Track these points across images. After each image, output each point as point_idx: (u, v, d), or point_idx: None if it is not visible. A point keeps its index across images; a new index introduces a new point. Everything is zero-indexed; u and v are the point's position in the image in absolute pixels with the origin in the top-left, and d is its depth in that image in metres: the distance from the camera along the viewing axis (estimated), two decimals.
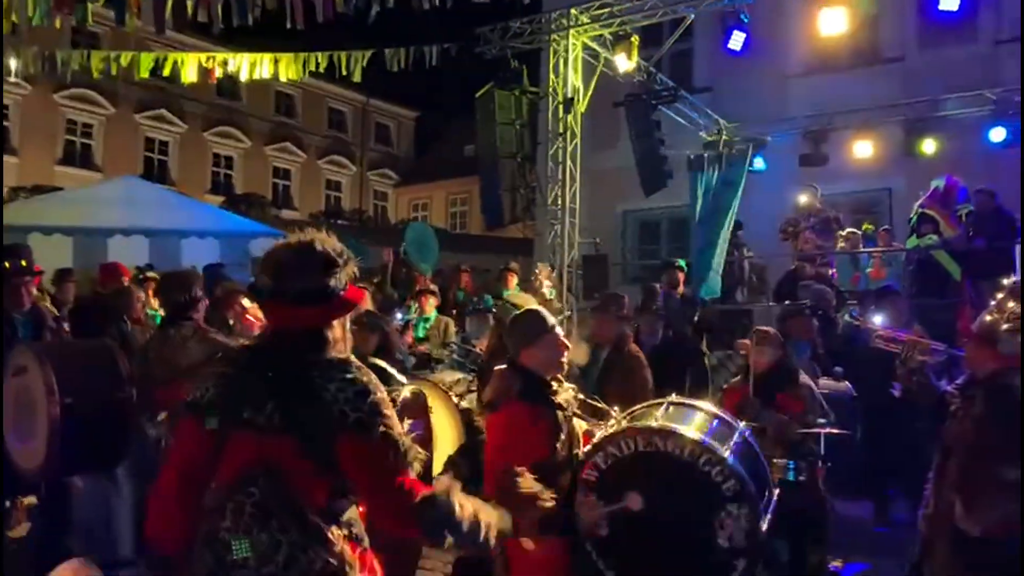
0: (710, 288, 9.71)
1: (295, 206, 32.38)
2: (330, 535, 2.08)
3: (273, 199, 31.27)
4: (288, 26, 7.68)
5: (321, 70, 11.95)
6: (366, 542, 2.22)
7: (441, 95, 40.48)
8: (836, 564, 5.10)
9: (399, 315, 8.81)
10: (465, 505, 2.11)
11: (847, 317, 7.39)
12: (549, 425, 3.17)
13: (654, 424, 3.40)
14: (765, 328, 5.27)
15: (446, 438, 5.45)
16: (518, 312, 3.52)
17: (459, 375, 6.43)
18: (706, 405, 3.76)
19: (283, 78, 12.08)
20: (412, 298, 9.11)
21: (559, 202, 10.58)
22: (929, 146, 11.68)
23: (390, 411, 2.13)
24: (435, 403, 5.93)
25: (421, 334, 8.42)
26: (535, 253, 14.19)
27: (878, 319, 7.13)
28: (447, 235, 22.89)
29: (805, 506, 4.52)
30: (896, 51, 13.59)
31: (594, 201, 13.67)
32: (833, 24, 9.46)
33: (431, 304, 8.77)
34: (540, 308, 3.57)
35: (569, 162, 10.57)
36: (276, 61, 11.66)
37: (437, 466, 4.36)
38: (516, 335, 3.33)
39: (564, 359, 3.33)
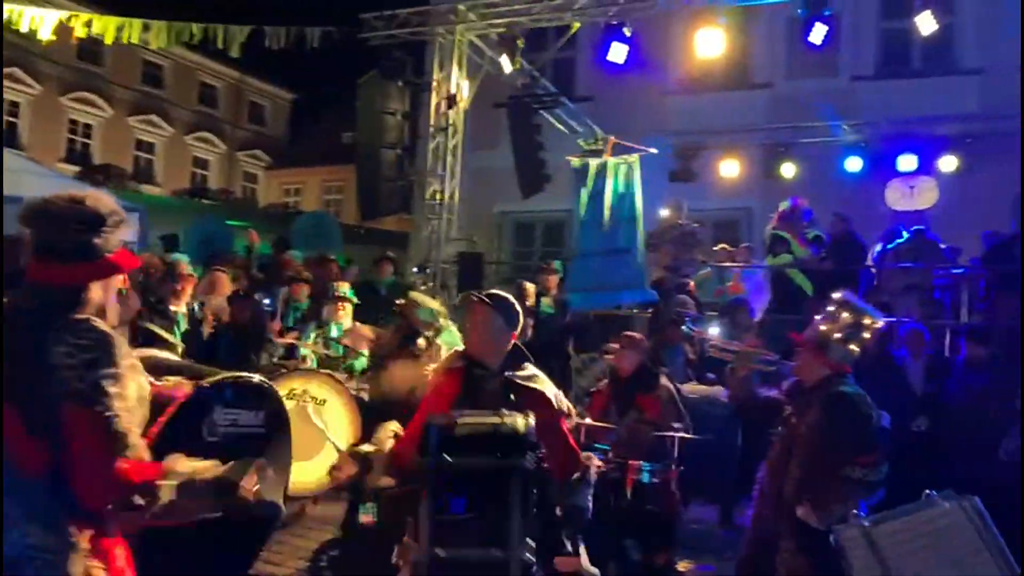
0: (646, 295, 9.94)
1: (158, 181, 30.76)
2: (45, 511, 1.95)
3: (134, 173, 29.57)
4: None
5: (195, 41, 11.40)
6: (110, 526, 2.07)
7: (320, 78, 39.58)
8: (684, 566, 5.31)
9: (267, 301, 8.55)
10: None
11: (684, 328, 7.74)
12: None
13: None
14: (631, 333, 5.42)
15: (342, 429, 5.42)
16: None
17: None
18: None
19: (153, 46, 11.46)
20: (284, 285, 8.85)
21: (437, 197, 10.53)
22: (788, 170, 12.39)
23: (116, 388, 1.99)
24: (329, 395, 5.87)
25: (291, 323, 8.18)
26: (410, 247, 14.07)
27: (714, 331, 7.53)
28: None
29: (657, 508, 4.68)
30: (765, 78, 14.34)
31: (472, 199, 13.70)
32: (709, 46, 9.84)
33: (303, 293, 8.55)
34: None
35: (450, 158, 10.54)
36: (146, 27, 11.04)
37: (329, 457, 4.23)
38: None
39: None
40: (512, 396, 3.19)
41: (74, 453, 1.95)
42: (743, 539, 4.01)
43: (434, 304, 4.74)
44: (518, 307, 3.40)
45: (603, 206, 10.05)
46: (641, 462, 4.66)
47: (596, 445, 4.77)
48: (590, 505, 3.46)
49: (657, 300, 9.84)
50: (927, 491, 3.21)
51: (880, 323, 3.95)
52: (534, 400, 3.23)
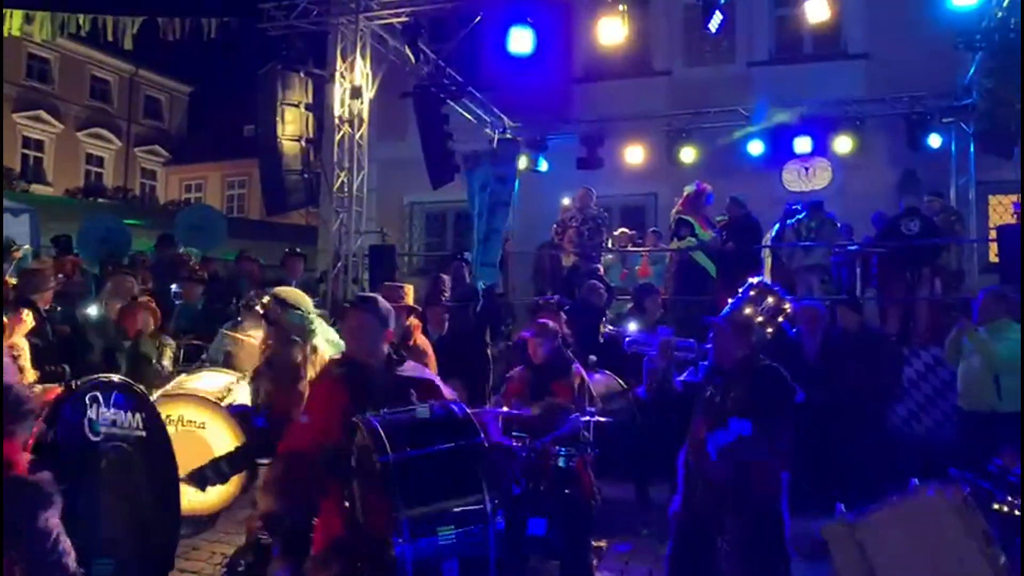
0: (486, 280, 9.95)
1: (48, 180, 29.32)
2: None
3: (22, 172, 28.13)
4: None
5: (83, 33, 10.88)
6: None
7: (219, 70, 38.41)
8: (600, 544, 5.43)
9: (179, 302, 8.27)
10: None
11: (605, 328, 7.90)
12: None
13: None
14: (544, 321, 5.48)
15: (226, 448, 5.19)
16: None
17: (224, 376, 6.06)
18: None
19: (37, 38, 10.88)
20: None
21: (345, 190, 10.38)
22: (690, 155, 12.71)
23: None
24: (206, 417, 5.52)
25: (185, 324, 7.91)
26: (319, 241, 13.84)
27: (633, 326, 7.71)
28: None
29: (573, 491, 4.76)
30: (665, 65, 14.65)
31: (381, 191, 13.57)
32: (610, 35, 9.99)
33: (197, 292, 8.29)
34: None
35: (356, 149, 10.39)
36: (28, 18, 10.46)
37: None
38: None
39: None
40: (409, 390, 3.23)
41: None
42: (674, 525, 4.09)
43: (304, 302, 4.37)
44: (388, 306, 3.42)
45: (486, 195, 10.18)
46: (557, 447, 4.74)
47: (514, 433, 4.83)
48: None
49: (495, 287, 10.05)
50: (912, 480, 3.21)
51: (789, 306, 4.15)
52: (428, 389, 3.30)
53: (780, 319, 3.98)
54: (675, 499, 4.14)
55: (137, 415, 3.76)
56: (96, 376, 3.77)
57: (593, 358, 6.45)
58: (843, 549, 2.96)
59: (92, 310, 6.72)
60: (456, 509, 2.85)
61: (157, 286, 8.83)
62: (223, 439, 5.27)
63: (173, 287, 8.68)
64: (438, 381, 3.45)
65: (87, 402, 3.48)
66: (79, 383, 3.56)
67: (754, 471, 3.71)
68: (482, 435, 3.01)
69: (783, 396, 3.75)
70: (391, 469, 2.80)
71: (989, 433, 5.84)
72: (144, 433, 3.73)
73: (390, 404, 3.06)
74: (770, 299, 3.92)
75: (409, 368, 3.39)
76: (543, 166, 13.71)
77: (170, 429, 4.58)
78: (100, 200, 25.69)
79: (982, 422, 6.18)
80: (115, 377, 3.92)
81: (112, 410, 3.56)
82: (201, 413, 5.51)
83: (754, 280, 4.11)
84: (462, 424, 3.02)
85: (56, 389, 3.43)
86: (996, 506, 3.81)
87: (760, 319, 3.88)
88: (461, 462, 2.93)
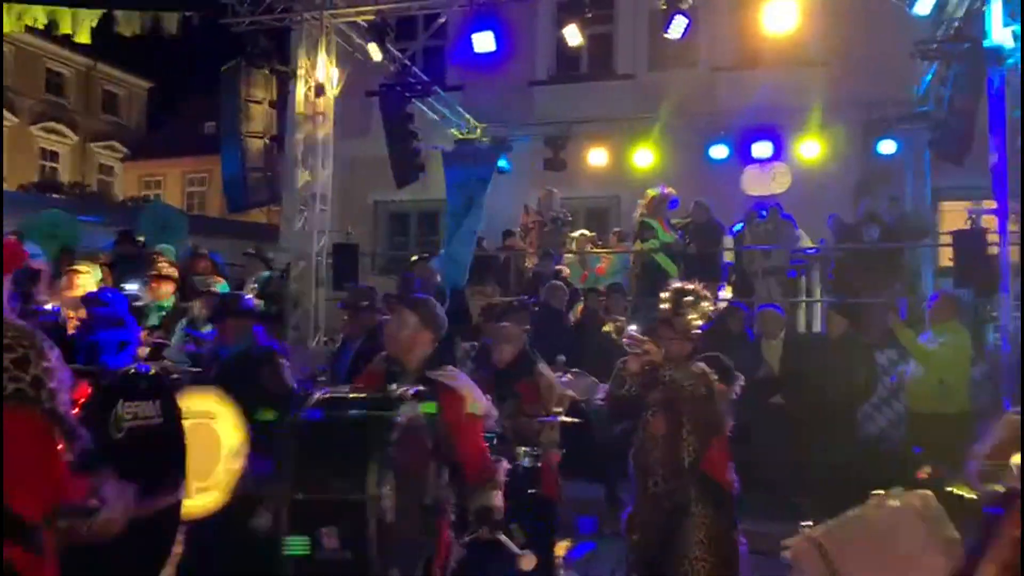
0: (455, 280, 9.96)
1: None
2: None
3: None
4: None
5: (40, 26, 10.64)
6: (41, 541, 1.89)
7: (179, 65, 37.86)
8: (564, 546, 5.46)
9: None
10: None
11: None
12: None
13: None
14: (506, 324, 5.50)
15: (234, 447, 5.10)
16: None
17: None
18: None
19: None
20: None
21: (308, 188, 10.29)
22: (652, 158, 12.79)
23: (54, 383, 1.91)
24: (216, 407, 5.40)
25: (155, 322, 7.80)
26: (281, 239, 13.70)
27: (633, 327, 7.79)
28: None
29: (538, 491, 4.79)
30: (628, 69, 14.76)
31: (345, 189, 13.46)
32: (574, 37, 10.07)
33: (166, 290, 8.17)
34: None
35: (320, 147, 10.31)
36: None
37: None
38: None
39: None
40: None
41: (14, 456, 1.79)
42: (629, 523, 4.06)
43: None
44: (439, 310, 3.49)
45: (463, 194, 10.21)
46: (522, 448, 4.76)
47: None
48: (500, 505, 3.51)
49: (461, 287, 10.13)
50: (874, 492, 3.22)
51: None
52: (447, 397, 3.34)
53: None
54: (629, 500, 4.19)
55: (155, 402, 3.57)
56: (125, 369, 3.63)
57: (561, 358, 6.49)
58: (808, 561, 2.96)
59: (47, 307, 6.59)
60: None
61: (115, 283, 8.67)
62: (231, 432, 5.12)
63: (131, 286, 8.50)
64: (467, 393, 3.47)
65: (113, 398, 3.33)
66: (108, 381, 3.43)
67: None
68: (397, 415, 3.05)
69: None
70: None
71: (936, 434, 6.01)
72: (161, 420, 3.56)
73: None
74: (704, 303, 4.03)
75: (443, 373, 3.46)
76: (502, 163, 13.72)
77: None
78: (55, 195, 25.11)
79: (929, 424, 6.34)
80: (137, 367, 3.79)
81: (133, 402, 3.40)
82: (209, 403, 5.34)
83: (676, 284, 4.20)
84: (389, 401, 3.09)
85: (84, 388, 3.25)
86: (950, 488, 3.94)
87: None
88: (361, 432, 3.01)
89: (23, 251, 2.17)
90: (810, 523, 3.18)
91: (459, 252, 10.08)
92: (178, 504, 3.42)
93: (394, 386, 3.18)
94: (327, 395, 3.25)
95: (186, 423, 4.47)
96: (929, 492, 3.15)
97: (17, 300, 3.93)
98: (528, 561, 3.58)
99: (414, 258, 9.61)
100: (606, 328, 7.94)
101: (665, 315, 3.99)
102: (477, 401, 3.51)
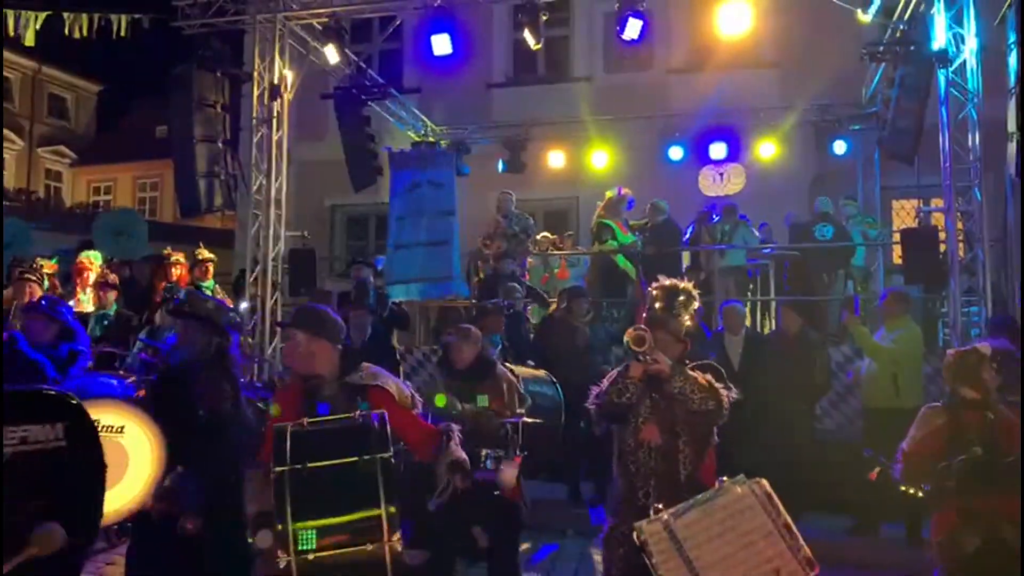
0: (461, 288, 10.00)
1: None
2: None
3: None
4: None
5: None
6: None
7: (129, 68, 37.14)
8: (526, 546, 5.45)
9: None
10: None
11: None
12: None
13: None
14: (467, 325, 5.47)
15: (145, 458, 4.91)
16: None
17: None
18: None
19: None
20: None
21: (263, 192, 10.14)
22: (609, 159, 12.89)
23: None
24: (126, 420, 5.22)
25: (99, 332, 7.62)
26: (236, 244, 13.49)
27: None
28: None
29: (501, 493, 4.76)
30: (585, 72, 14.85)
31: (301, 193, 13.33)
32: (531, 39, 10.07)
33: (111, 298, 8.01)
34: None
35: (275, 151, 10.17)
36: None
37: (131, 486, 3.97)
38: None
39: None
40: (358, 398, 3.33)
41: None
42: (611, 537, 3.76)
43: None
44: (326, 316, 3.52)
45: (420, 198, 10.15)
46: (484, 449, 4.72)
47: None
48: (463, 454, 3.51)
49: (468, 293, 10.14)
50: (720, 478, 3.28)
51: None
52: (375, 395, 3.40)
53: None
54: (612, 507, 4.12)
55: (56, 425, 3.37)
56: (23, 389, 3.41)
57: (531, 363, 6.54)
58: (660, 545, 3.05)
59: None
60: (350, 521, 2.93)
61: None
62: (143, 446, 4.94)
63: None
64: (392, 388, 3.53)
65: None
66: None
67: None
68: (392, 449, 3.08)
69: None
70: (284, 479, 2.91)
71: (891, 429, 6.10)
72: (65, 443, 3.36)
73: (343, 411, 3.22)
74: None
75: (361, 375, 3.48)
76: (463, 167, 13.70)
77: None
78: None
79: (883, 419, 6.45)
80: (18, 389, 3.57)
81: (19, 427, 3.18)
82: (119, 416, 5.15)
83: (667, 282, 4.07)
84: (376, 436, 3.08)
85: None
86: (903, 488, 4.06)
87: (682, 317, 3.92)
88: (362, 475, 2.99)
89: None
90: (660, 505, 3.23)
91: (400, 263, 10.08)
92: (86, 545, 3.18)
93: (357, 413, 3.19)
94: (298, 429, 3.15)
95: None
96: (764, 480, 3.22)
97: None
98: (509, 473, 3.71)
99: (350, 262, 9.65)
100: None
101: (657, 316, 3.82)
102: (402, 389, 3.61)
